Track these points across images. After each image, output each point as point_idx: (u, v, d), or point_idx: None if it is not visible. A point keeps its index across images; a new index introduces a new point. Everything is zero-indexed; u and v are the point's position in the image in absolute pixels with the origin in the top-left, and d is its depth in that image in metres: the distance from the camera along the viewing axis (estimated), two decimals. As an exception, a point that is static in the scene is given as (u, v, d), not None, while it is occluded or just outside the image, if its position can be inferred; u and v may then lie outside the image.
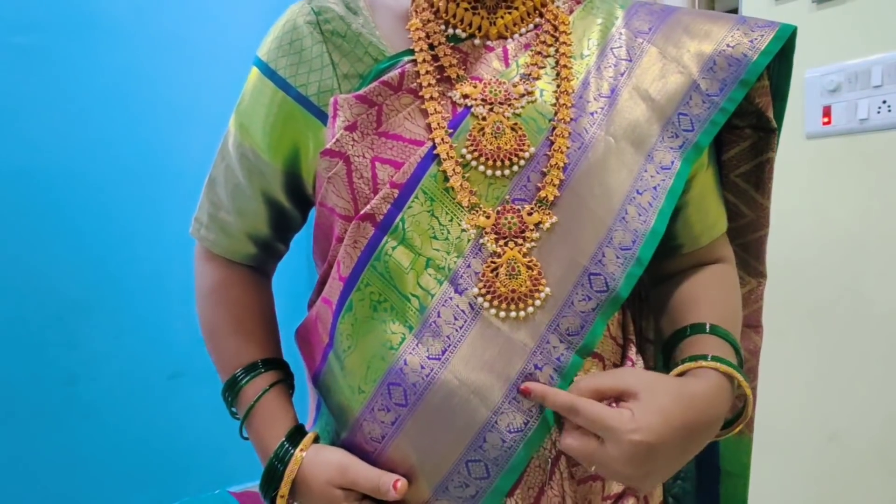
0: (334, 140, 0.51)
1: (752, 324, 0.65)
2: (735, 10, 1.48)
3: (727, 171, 0.63)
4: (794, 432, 1.38)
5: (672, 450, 0.44)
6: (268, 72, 0.57)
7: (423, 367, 0.48)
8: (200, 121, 1.90)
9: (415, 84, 0.52)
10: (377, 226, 0.50)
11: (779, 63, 0.59)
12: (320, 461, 0.53)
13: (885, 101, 1.18)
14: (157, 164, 1.81)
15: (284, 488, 0.53)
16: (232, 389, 0.63)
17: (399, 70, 0.52)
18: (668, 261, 0.60)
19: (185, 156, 1.86)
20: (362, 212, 0.51)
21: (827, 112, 1.27)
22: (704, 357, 0.49)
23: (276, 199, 0.60)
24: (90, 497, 1.73)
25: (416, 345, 0.49)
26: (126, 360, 1.78)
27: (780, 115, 0.61)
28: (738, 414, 0.51)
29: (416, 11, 0.54)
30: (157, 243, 1.82)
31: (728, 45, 0.54)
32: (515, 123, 0.51)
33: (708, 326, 0.52)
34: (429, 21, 0.53)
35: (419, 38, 0.53)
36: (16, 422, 1.62)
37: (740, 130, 0.61)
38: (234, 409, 0.65)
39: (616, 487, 0.55)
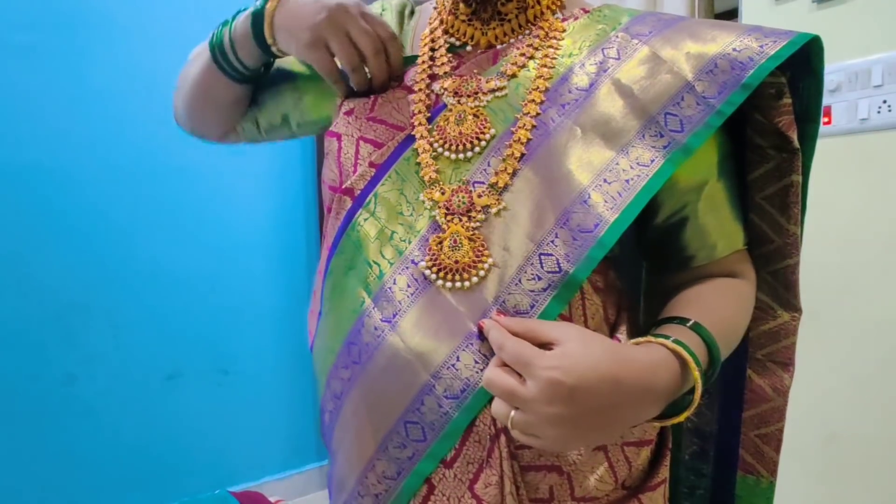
0: (336, 122, 0.60)
1: (783, 361, 0.61)
2: (735, 11, 1.48)
3: (753, 192, 0.60)
4: (793, 432, 1.38)
5: (595, 399, 0.42)
6: None
7: (376, 329, 0.52)
8: (200, 121, 1.91)
9: (412, 82, 0.58)
10: (354, 199, 0.56)
11: (807, 82, 0.56)
12: None
13: (885, 101, 1.18)
14: (157, 165, 1.81)
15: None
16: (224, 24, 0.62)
17: (402, 74, 0.60)
18: (681, 273, 0.59)
19: (185, 156, 1.86)
20: (343, 186, 0.57)
21: (827, 112, 1.27)
22: (666, 337, 0.47)
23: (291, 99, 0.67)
24: (90, 497, 1.73)
25: (373, 308, 0.53)
26: (125, 360, 1.78)
27: (811, 138, 0.57)
28: (688, 400, 0.47)
29: (429, 22, 0.62)
30: (156, 244, 1.82)
31: (734, 49, 0.52)
32: (478, 110, 0.54)
33: (691, 322, 0.49)
34: (435, 30, 0.61)
35: (425, 45, 0.60)
36: (15, 421, 1.62)
37: (763, 151, 0.58)
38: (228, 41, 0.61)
39: (600, 486, 0.52)
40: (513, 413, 0.43)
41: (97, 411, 1.74)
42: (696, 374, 0.46)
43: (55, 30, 1.64)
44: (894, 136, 1.18)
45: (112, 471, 1.77)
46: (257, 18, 0.57)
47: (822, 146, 1.33)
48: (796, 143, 0.56)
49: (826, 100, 1.26)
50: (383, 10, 0.66)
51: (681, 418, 0.47)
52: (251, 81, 0.65)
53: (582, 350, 0.43)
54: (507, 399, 0.43)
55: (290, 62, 0.67)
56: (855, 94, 1.22)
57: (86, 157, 1.70)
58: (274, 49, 0.59)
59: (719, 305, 0.54)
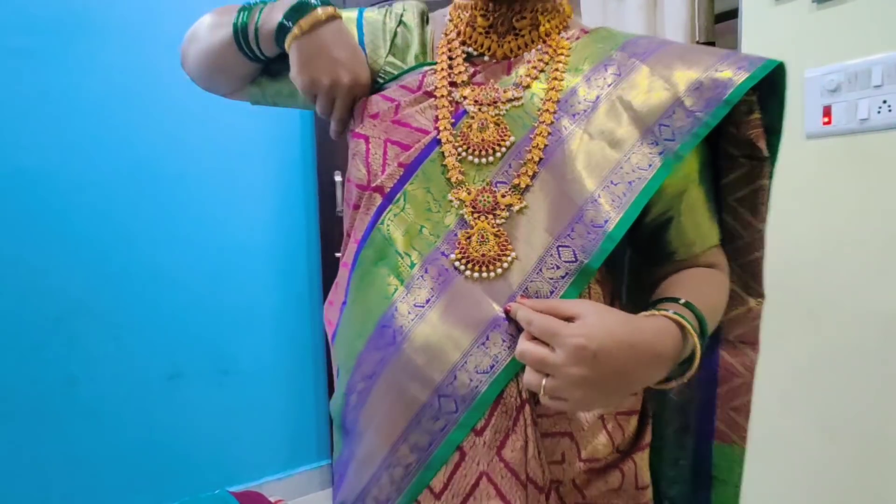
0: (361, 124, 0.64)
1: (749, 341, 0.70)
2: (735, 11, 1.48)
3: (726, 195, 0.69)
4: (793, 432, 1.38)
5: (615, 362, 0.48)
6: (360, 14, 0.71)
7: (409, 313, 0.57)
8: (200, 121, 1.90)
9: (432, 87, 0.64)
10: (384, 196, 0.61)
11: (771, 100, 0.64)
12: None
13: (885, 101, 1.18)
14: (157, 167, 1.81)
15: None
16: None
17: (419, 77, 0.64)
18: (665, 266, 0.67)
19: (186, 158, 1.86)
20: (374, 184, 0.62)
21: (827, 112, 1.26)
22: (665, 310, 0.54)
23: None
24: (90, 497, 1.73)
25: (406, 294, 0.58)
26: (125, 361, 1.78)
27: (774, 149, 0.67)
28: (689, 362, 0.54)
29: (445, 33, 0.67)
30: (157, 245, 1.82)
31: (716, 70, 0.60)
32: (499, 119, 0.61)
33: (683, 301, 0.57)
34: (452, 41, 0.66)
35: (442, 53, 0.66)
36: (16, 422, 1.62)
37: (736, 159, 0.67)
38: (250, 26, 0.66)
39: (599, 449, 0.60)
40: (544, 381, 0.49)
41: (98, 412, 1.74)
42: (696, 338, 0.53)
43: (55, 33, 1.64)
44: (894, 136, 1.18)
45: (113, 471, 1.77)
46: (281, 34, 0.62)
47: (822, 146, 1.34)
48: (765, 152, 0.66)
49: (826, 100, 1.26)
50: (405, 10, 0.70)
51: (683, 379, 0.55)
52: (266, 63, 0.70)
53: (600, 320, 0.50)
54: (538, 367, 0.50)
55: None
56: (855, 94, 1.22)
57: (86, 160, 1.70)
58: None
59: (702, 290, 0.62)
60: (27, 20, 1.61)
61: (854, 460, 1.28)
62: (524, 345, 0.51)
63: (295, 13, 0.61)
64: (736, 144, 0.66)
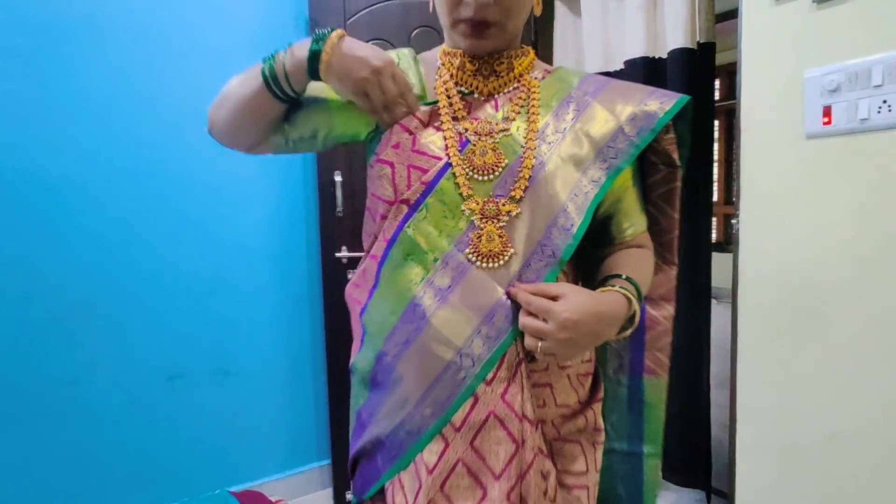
0: (385, 152, 0.80)
1: (668, 298, 0.93)
2: (735, 11, 1.48)
3: (650, 192, 0.91)
4: (794, 432, 1.38)
5: (588, 326, 0.71)
6: None
7: (435, 295, 0.76)
8: (200, 122, 1.90)
9: (438, 122, 0.81)
10: (410, 206, 0.79)
11: (681, 122, 0.87)
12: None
13: (885, 101, 1.18)
14: (158, 167, 1.81)
15: (335, 36, 0.74)
16: (271, 58, 0.78)
17: (428, 111, 0.81)
18: (607, 248, 0.89)
19: (185, 157, 1.86)
20: (401, 198, 0.79)
21: (827, 112, 1.26)
22: (613, 285, 0.77)
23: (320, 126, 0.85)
24: (91, 497, 1.73)
25: (432, 282, 0.77)
26: (127, 361, 1.78)
27: (683, 157, 0.88)
28: (632, 322, 0.78)
29: (440, 75, 0.85)
30: (157, 245, 1.82)
31: (645, 105, 0.82)
32: (495, 147, 0.79)
33: (623, 276, 0.80)
34: (447, 81, 0.84)
35: (442, 93, 0.83)
36: (17, 423, 1.62)
37: (657, 166, 0.89)
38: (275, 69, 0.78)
39: (569, 398, 0.84)
40: (540, 343, 0.71)
41: (99, 412, 1.74)
42: (636, 306, 0.77)
43: (56, 33, 1.65)
44: (894, 136, 1.18)
45: (113, 471, 1.77)
46: (314, 63, 0.74)
47: (822, 146, 1.34)
48: (678, 161, 0.88)
49: (826, 100, 1.26)
50: (399, 57, 0.85)
51: (626, 333, 0.78)
52: (294, 101, 0.82)
53: (578, 298, 0.72)
54: (536, 334, 0.72)
55: (322, 87, 0.82)
56: (855, 94, 1.22)
57: (86, 160, 1.70)
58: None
59: (636, 266, 0.84)
60: (27, 20, 1.61)
61: (856, 462, 1.28)
62: (525, 319, 0.73)
63: (318, 43, 0.74)
64: (657, 154, 0.88)
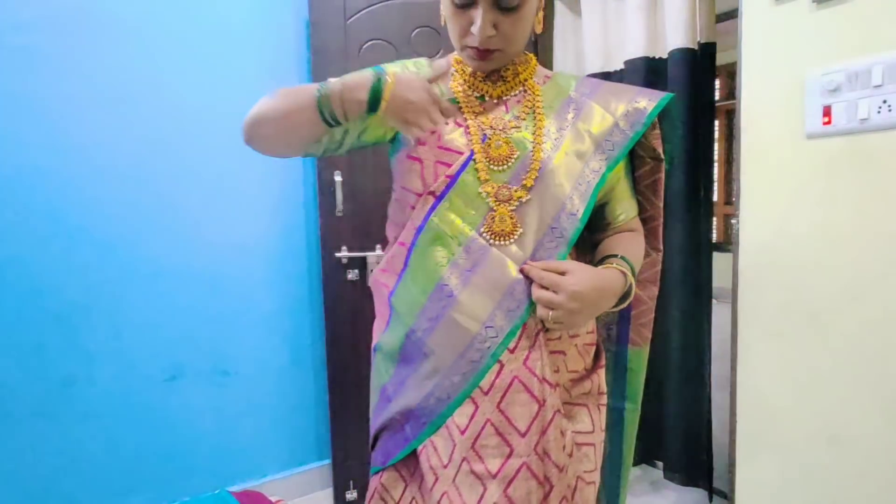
0: (415, 150, 0.90)
1: (651, 280, 1.06)
2: (735, 11, 1.48)
3: (638, 183, 1.02)
4: (794, 433, 1.38)
5: (592, 297, 0.82)
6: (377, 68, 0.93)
7: (460, 276, 0.86)
8: (199, 121, 1.90)
9: (461, 120, 0.91)
10: (436, 198, 0.88)
11: (665, 119, 0.98)
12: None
13: (885, 101, 1.18)
14: (157, 166, 1.81)
15: (390, 79, 0.81)
16: (324, 86, 0.82)
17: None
18: (604, 232, 1.01)
19: (184, 156, 1.86)
20: (428, 190, 0.89)
21: (827, 112, 1.26)
22: (611, 263, 0.89)
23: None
24: (90, 497, 1.73)
25: (456, 264, 0.87)
26: (125, 361, 1.78)
27: (667, 152, 1.00)
28: (627, 296, 0.89)
29: (454, 80, 0.95)
30: (157, 245, 1.82)
31: (636, 102, 0.94)
32: (508, 141, 0.90)
33: (619, 255, 0.91)
34: (461, 84, 0.95)
35: (459, 94, 0.93)
36: (15, 422, 1.62)
37: (643, 159, 1.00)
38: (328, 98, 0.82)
39: (577, 365, 0.94)
40: (550, 313, 0.81)
41: (98, 412, 1.74)
42: (632, 280, 0.89)
43: (56, 31, 1.64)
44: (894, 136, 1.18)
45: (113, 471, 1.77)
46: (374, 105, 0.80)
47: (822, 146, 1.34)
48: (662, 155, 0.98)
49: (826, 100, 1.26)
50: (417, 67, 0.94)
51: (624, 305, 0.89)
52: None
53: (583, 273, 0.83)
54: (547, 305, 0.82)
55: None
56: (855, 94, 1.22)
57: (86, 159, 1.70)
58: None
59: (629, 247, 0.95)
60: (27, 19, 1.61)
61: (855, 462, 1.28)
62: (538, 292, 0.83)
63: (377, 92, 0.80)
64: (644, 149, 0.99)
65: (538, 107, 0.92)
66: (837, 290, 1.29)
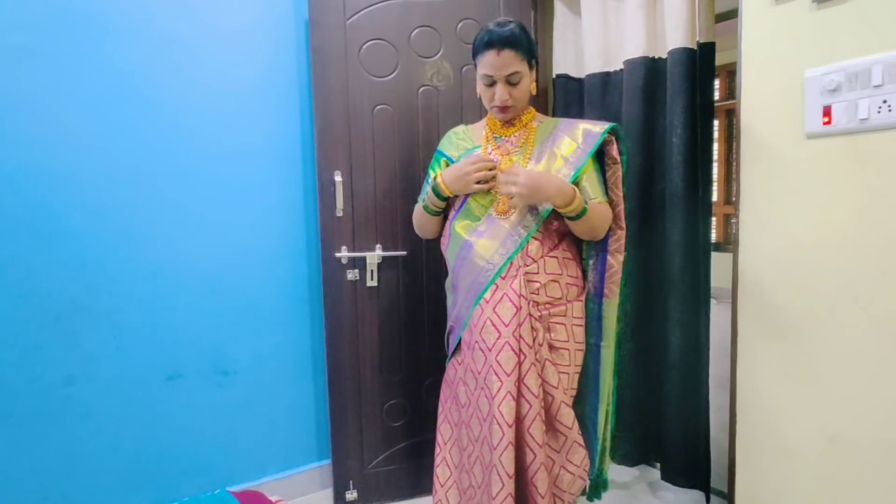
0: None
1: (619, 250, 1.49)
2: (735, 11, 1.48)
3: (608, 181, 1.50)
4: (794, 433, 1.38)
5: (540, 182, 1.36)
6: (438, 152, 1.65)
7: (477, 236, 1.47)
8: (199, 121, 1.90)
9: (490, 154, 1.52)
10: (466, 194, 1.52)
11: (620, 141, 1.48)
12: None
13: (885, 101, 1.18)
14: (157, 166, 1.81)
15: (441, 174, 1.54)
16: (435, 191, 1.54)
17: (478, 152, 1.56)
18: None
19: (186, 157, 1.86)
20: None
21: (827, 112, 1.26)
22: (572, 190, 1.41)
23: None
24: (90, 497, 1.73)
25: (476, 229, 1.48)
26: (125, 360, 1.78)
27: (623, 157, 1.49)
28: (579, 210, 1.39)
29: (486, 130, 1.58)
30: (157, 244, 1.82)
31: (593, 126, 1.47)
32: (510, 161, 1.48)
33: (587, 202, 1.41)
34: (489, 132, 1.56)
35: (488, 137, 1.56)
36: (14, 422, 1.62)
37: (608, 164, 1.48)
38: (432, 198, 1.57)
39: (556, 293, 1.46)
40: (512, 188, 1.36)
41: (97, 412, 1.74)
42: (583, 204, 1.39)
43: (57, 32, 1.64)
44: (894, 136, 1.18)
45: (112, 471, 1.77)
46: (439, 196, 1.53)
47: (822, 146, 1.34)
48: (619, 159, 1.47)
49: (826, 100, 1.26)
50: (459, 132, 1.65)
51: (570, 208, 1.38)
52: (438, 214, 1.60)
53: (536, 171, 1.42)
54: (510, 184, 1.37)
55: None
56: (855, 94, 1.22)
57: (86, 159, 1.70)
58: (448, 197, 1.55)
59: (594, 206, 1.42)
60: (27, 18, 1.61)
61: (856, 462, 1.28)
62: (502, 176, 1.39)
63: (436, 189, 1.53)
64: (607, 156, 1.48)
65: (530, 139, 1.49)
66: (837, 290, 1.28)
